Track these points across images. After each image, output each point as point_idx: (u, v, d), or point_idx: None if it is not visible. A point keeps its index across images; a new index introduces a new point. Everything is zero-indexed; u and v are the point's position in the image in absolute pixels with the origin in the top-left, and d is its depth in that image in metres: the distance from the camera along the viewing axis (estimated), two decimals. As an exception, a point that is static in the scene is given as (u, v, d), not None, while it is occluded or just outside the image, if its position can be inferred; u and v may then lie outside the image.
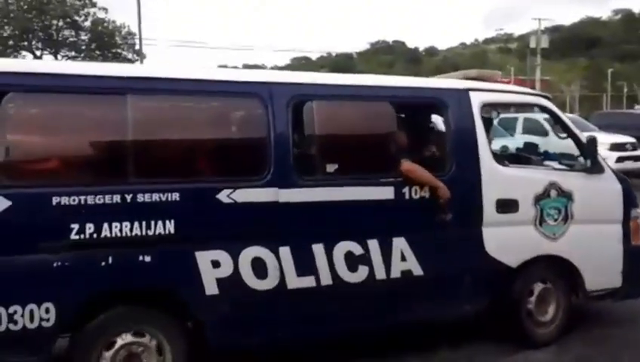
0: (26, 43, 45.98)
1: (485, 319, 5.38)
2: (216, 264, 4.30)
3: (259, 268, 4.41)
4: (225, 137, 4.75)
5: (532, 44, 43.95)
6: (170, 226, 4.18)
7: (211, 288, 4.30)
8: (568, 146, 6.01)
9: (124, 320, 4.21)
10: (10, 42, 44.81)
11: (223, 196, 4.29)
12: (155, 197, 4.15)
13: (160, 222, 4.16)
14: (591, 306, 6.16)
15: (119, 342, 4.13)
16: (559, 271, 5.50)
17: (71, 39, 48.27)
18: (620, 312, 6.27)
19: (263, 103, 4.52)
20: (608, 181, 5.66)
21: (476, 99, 5.24)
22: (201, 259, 4.27)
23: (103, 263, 4.04)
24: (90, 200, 4.00)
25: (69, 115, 4.28)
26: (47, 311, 3.92)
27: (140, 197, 4.12)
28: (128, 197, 4.09)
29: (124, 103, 4.18)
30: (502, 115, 20.24)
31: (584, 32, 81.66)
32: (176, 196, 4.19)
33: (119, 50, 48.15)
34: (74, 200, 3.96)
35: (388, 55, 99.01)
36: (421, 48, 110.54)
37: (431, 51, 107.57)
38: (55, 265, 3.93)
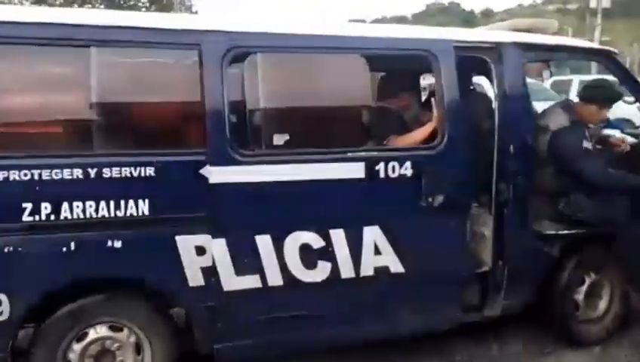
0: (89, 5, 46.32)
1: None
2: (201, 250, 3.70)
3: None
4: (145, 101, 3.85)
5: (592, 4, 42.04)
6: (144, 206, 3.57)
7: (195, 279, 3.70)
8: (629, 113, 5.23)
9: (96, 313, 3.67)
10: (75, 5, 45.14)
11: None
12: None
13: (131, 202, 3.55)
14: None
15: (92, 334, 3.65)
16: (617, 257, 4.78)
17: (131, 2, 48.54)
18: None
19: (191, 56, 3.70)
20: None
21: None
22: (182, 245, 3.65)
23: (64, 249, 3.47)
24: (45, 175, 3.39)
25: (17, 72, 3.58)
26: None
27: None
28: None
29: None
30: (555, 77, 19.51)
31: (649, -9, 78.32)
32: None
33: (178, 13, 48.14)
34: (25, 174, 3.38)
35: (444, 16, 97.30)
36: (477, 10, 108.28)
37: (487, 13, 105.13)
38: (6, 250, 3.39)
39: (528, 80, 15.73)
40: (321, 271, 3.92)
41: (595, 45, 5.28)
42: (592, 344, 4.78)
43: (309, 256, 3.88)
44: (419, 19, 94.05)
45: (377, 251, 4.00)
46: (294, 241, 3.84)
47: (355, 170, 3.90)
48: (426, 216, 4.09)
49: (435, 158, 4.09)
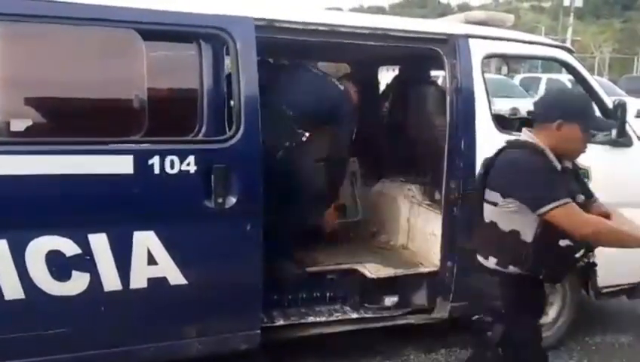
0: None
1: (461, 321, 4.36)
2: None
3: None
4: None
5: (566, 2, 42.50)
6: None
7: None
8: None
9: None
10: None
11: None
12: None
13: None
14: (596, 307, 5.30)
15: None
16: None
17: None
18: (633, 316, 5.50)
19: None
20: (637, 156, 4.57)
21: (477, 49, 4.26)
22: None
23: None
24: None
25: None
26: None
27: None
28: None
29: None
30: (525, 75, 19.49)
31: (621, -8, 79.21)
32: None
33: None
34: None
35: (421, 9, 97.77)
36: (453, 4, 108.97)
37: (463, 7, 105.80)
38: None
39: (496, 76, 15.54)
40: (77, 284, 3.35)
41: (552, 41, 5.10)
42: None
43: (60, 265, 3.30)
44: (397, 10, 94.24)
45: (152, 260, 3.46)
46: (40, 248, 3.25)
47: (121, 165, 3.33)
48: (216, 220, 3.58)
49: (227, 153, 3.57)
